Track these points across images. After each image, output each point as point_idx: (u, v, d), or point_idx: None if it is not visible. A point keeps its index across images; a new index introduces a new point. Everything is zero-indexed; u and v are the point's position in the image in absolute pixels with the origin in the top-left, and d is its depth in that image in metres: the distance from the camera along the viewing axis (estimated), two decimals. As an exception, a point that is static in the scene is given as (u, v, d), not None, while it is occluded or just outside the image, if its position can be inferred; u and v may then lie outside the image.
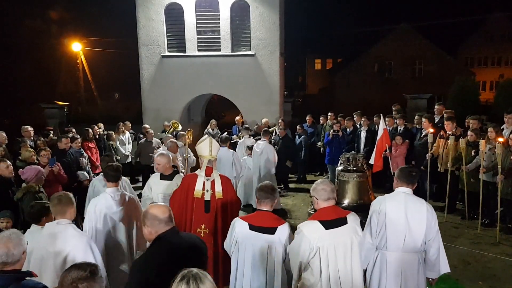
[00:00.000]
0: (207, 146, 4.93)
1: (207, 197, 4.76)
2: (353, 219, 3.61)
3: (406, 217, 3.87)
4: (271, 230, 3.78)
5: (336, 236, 3.46)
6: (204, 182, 4.79)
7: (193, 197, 4.76)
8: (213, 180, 4.85)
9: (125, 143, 11.93)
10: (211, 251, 4.67)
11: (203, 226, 4.76)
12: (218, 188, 4.82)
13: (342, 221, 3.53)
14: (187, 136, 5.94)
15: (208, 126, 12.65)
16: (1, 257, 2.82)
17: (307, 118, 12.42)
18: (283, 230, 3.80)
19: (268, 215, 3.87)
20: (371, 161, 9.14)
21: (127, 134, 12.21)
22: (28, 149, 7.68)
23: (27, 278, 2.89)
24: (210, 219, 4.77)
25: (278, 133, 10.99)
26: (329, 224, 3.46)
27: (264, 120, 12.52)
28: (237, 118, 13.34)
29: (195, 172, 5.00)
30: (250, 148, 9.21)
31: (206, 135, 5.22)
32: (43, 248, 3.63)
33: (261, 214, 3.87)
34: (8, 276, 2.80)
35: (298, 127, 11.86)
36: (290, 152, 10.61)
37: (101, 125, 12.07)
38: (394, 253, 3.94)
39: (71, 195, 4.01)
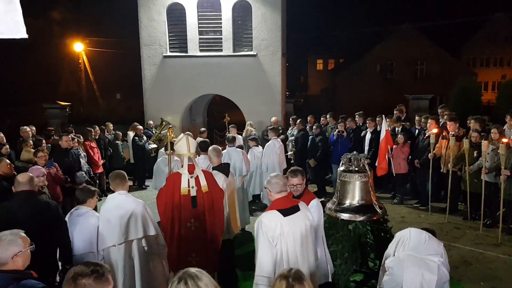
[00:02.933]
0: (184, 145, 5.11)
1: (193, 193, 4.97)
2: (304, 206, 3.97)
3: (425, 240, 4.11)
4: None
5: (293, 222, 3.75)
6: (188, 179, 4.98)
7: (179, 195, 4.95)
8: (197, 176, 5.03)
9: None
10: (200, 242, 5.00)
11: (192, 220, 5.00)
12: (203, 182, 5.04)
13: (296, 209, 3.83)
14: (169, 133, 6.20)
15: (244, 133, 12.08)
16: None
17: (309, 118, 12.40)
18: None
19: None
20: (376, 164, 9.13)
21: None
22: (28, 149, 7.69)
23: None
24: (198, 214, 5.02)
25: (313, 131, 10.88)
26: (286, 212, 3.76)
27: (273, 119, 12.54)
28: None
29: (177, 170, 5.21)
30: (239, 147, 9.24)
31: (182, 134, 5.46)
32: (110, 213, 4.44)
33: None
34: (7, 276, 2.80)
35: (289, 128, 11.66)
36: (320, 150, 10.47)
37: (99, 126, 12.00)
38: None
39: (124, 172, 4.82)
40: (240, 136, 10.84)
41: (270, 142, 9.49)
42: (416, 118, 10.29)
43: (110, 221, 4.43)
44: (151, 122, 12.87)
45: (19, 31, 2.82)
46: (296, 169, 4.47)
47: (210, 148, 6.11)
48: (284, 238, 3.69)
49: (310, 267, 3.85)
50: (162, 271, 4.87)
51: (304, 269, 3.72)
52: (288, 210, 3.78)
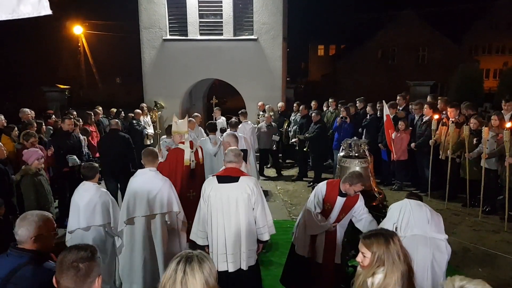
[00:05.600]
0: (185, 123, 5.95)
1: (192, 166, 5.74)
2: (246, 180, 4.31)
3: (428, 218, 4.09)
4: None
5: (225, 189, 4.26)
6: (189, 153, 5.74)
7: (182, 168, 5.65)
8: (196, 151, 5.85)
9: (149, 125, 12.24)
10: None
11: (191, 190, 5.71)
12: (201, 155, 5.95)
13: (233, 179, 4.29)
14: (156, 115, 6.83)
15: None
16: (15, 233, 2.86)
17: (312, 104, 12.30)
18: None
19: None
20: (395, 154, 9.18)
21: (148, 116, 12.40)
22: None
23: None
24: (196, 184, 5.65)
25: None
26: (221, 179, 4.31)
27: (280, 104, 12.53)
28: (259, 103, 13.05)
29: (178, 146, 5.85)
30: (222, 130, 9.76)
31: (174, 115, 6.39)
32: (139, 186, 4.84)
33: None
34: (26, 255, 2.78)
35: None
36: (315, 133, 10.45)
37: (101, 108, 12.04)
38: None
39: (156, 151, 5.23)
40: (224, 119, 11.18)
41: (240, 125, 9.95)
42: (413, 106, 10.22)
43: (137, 194, 4.81)
44: (144, 104, 12.78)
45: (43, 7, 2.58)
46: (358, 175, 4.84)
47: (225, 134, 6.22)
48: (212, 200, 4.27)
49: (236, 232, 4.26)
50: (177, 245, 5.26)
51: (231, 232, 4.25)
52: (224, 178, 4.33)
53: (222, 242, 4.27)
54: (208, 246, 4.40)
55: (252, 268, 4.40)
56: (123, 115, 12.29)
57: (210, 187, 4.33)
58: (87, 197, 4.84)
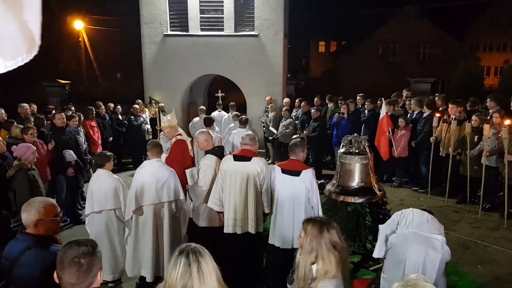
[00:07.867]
0: (174, 117, 6.48)
1: (191, 154, 6.15)
2: (257, 160, 5.08)
3: (428, 220, 4.05)
4: (297, 173, 4.89)
5: (239, 167, 5.04)
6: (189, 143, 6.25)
7: (188, 157, 6.08)
8: (191, 140, 6.38)
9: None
10: None
11: None
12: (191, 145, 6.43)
13: (247, 159, 5.07)
14: (152, 111, 7.13)
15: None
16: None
17: (315, 99, 12.26)
18: (307, 173, 4.86)
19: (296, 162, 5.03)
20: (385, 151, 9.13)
21: (147, 112, 12.36)
22: (17, 125, 7.67)
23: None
24: None
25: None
26: (237, 158, 5.12)
27: (286, 100, 12.51)
28: (267, 98, 13.04)
29: (179, 138, 6.25)
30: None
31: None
32: (146, 176, 5.11)
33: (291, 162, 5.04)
34: (30, 239, 2.93)
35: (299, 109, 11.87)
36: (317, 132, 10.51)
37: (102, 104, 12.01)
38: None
39: (161, 143, 5.63)
40: (222, 114, 11.89)
41: (225, 116, 11.19)
42: (412, 102, 10.19)
43: (146, 184, 5.08)
44: (139, 100, 12.74)
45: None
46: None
47: (199, 132, 6.02)
48: (228, 175, 5.03)
49: (244, 201, 5.00)
50: (179, 232, 5.52)
51: (241, 201, 4.97)
52: (239, 157, 5.12)
53: (233, 209, 5.01)
54: (223, 212, 5.14)
55: (258, 233, 5.11)
56: (120, 109, 12.27)
57: (227, 164, 5.09)
58: (99, 184, 5.28)
